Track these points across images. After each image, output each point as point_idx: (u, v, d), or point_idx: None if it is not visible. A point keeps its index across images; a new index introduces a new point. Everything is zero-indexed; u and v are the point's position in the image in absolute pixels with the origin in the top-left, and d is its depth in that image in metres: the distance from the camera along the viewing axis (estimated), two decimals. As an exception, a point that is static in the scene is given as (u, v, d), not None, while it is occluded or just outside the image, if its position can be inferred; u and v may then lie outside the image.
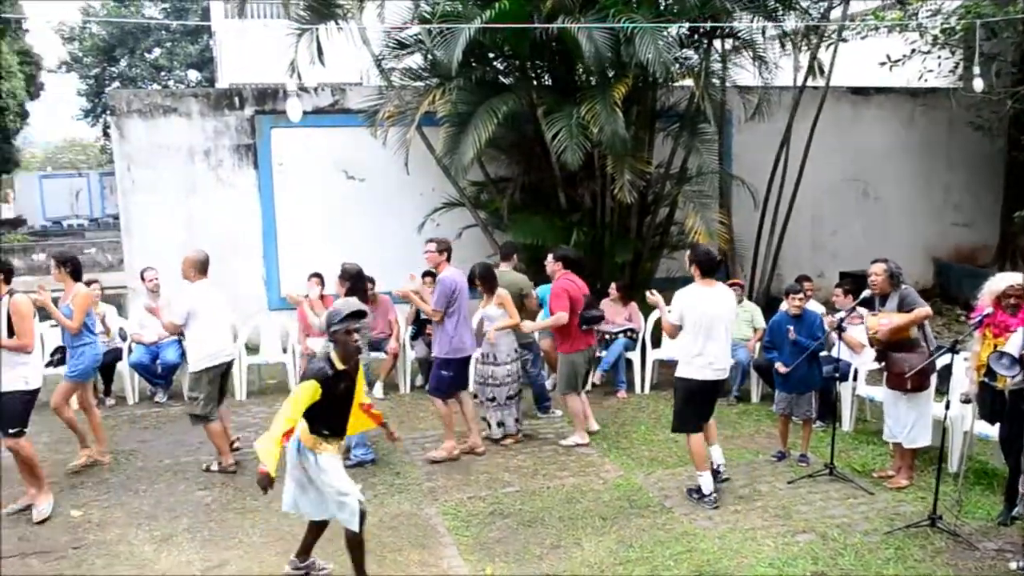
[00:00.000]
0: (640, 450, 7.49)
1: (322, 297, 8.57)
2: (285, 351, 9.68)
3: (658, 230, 10.56)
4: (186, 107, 11.02)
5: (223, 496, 6.59)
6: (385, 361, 9.34)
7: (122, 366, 9.21)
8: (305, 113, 10.37)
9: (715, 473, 6.46)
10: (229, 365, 7.30)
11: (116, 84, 40.10)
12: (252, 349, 9.87)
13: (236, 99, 11.15)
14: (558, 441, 7.71)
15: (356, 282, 7.01)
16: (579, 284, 7.63)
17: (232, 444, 7.35)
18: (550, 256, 7.80)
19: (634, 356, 9.29)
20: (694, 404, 6.26)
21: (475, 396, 7.82)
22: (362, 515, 4.82)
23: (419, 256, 8.71)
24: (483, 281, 7.42)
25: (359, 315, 4.77)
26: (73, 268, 7.03)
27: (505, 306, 7.41)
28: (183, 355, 9.18)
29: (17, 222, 36.20)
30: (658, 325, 8.01)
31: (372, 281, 8.39)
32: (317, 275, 8.94)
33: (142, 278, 9.05)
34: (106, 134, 44.23)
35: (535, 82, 10.19)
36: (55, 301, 6.95)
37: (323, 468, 4.76)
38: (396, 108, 9.89)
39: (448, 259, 7.33)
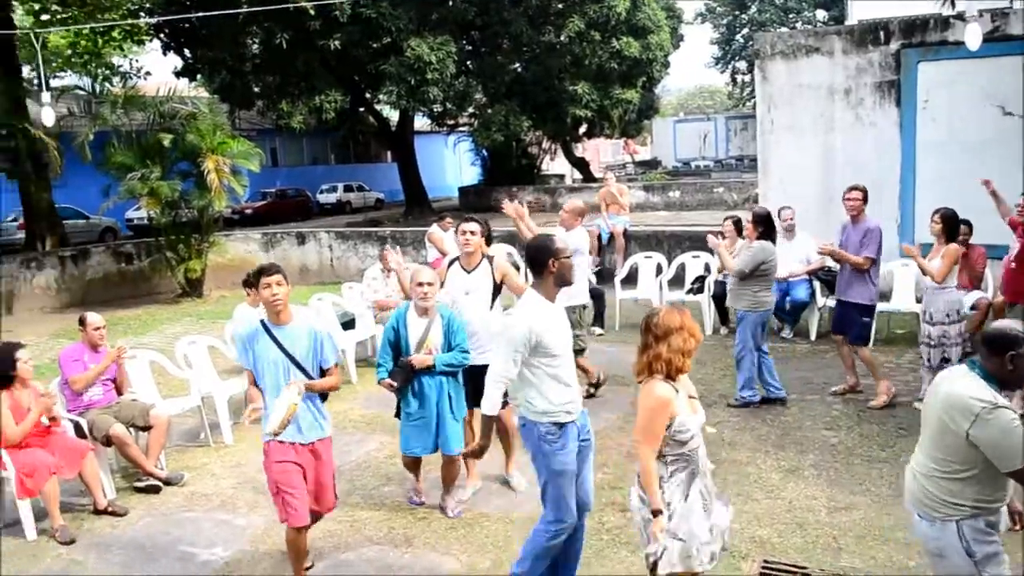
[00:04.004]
0: None
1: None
2: (919, 301, 9.07)
3: None
4: (828, 45, 10.86)
5: (849, 439, 6.50)
6: (976, 315, 8.20)
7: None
8: (959, 44, 9.49)
9: None
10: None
11: (745, 31, 41.64)
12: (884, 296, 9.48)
13: (881, 33, 10.62)
14: None
15: (767, 226, 7.08)
16: None
17: None
18: None
19: None
20: None
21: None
22: None
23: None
24: (946, 225, 6.80)
25: None
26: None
27: (945, 259, 6.70)
28: (812, 294, 9.28)
29: (653, 163, 40.29)
30: None
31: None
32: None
33: (779, 216, 9.28)
34: (733, 80, 46.44)
35: None
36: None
37: None
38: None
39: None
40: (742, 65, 44.16)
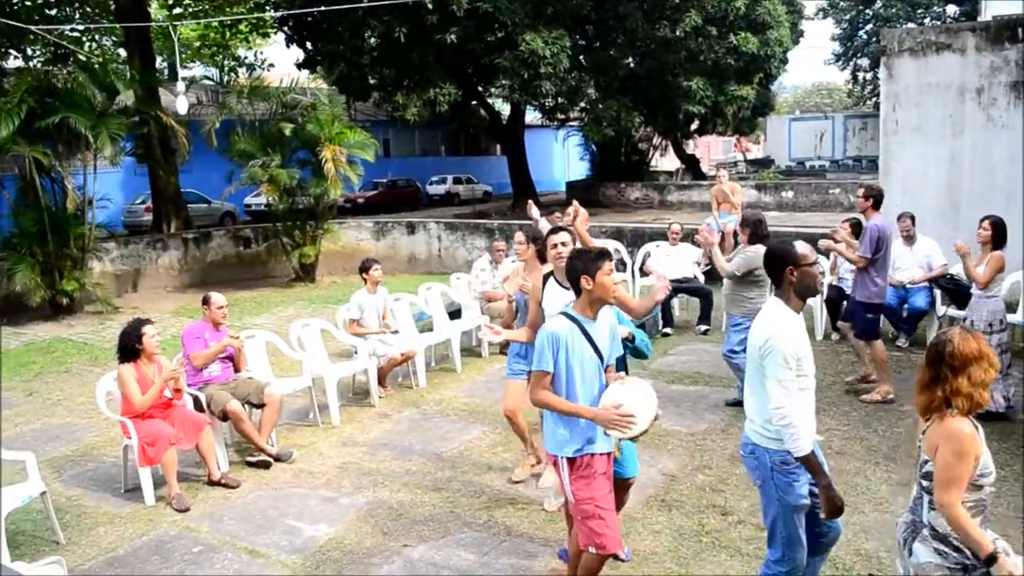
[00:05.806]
0: None
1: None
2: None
3: None
4: (960, 42, 10.33)
5: (968, 456, 6.21)
6: None
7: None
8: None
9: None
10: None
11: (869, 26, 40.10)
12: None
13: (1019, 30, 10.03)
14: None
15: (757, 229, 6.96)
16: None
17: None
18: None
19: None
20: None
21: None
22: None
23: None
24: (995, 231, 6.80)
25: None
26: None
27: (990, 266, 6.74)
28: (932, 303, 8.89)
29: (766, 162, 39.28)
30: None
31: None
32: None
33: (896, 222, 8.91)
34: (854, 77, 44.79)
35: None
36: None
37: None
38: None
39: (876, 207, 7.23)
40: (864, 62, 42.54)
